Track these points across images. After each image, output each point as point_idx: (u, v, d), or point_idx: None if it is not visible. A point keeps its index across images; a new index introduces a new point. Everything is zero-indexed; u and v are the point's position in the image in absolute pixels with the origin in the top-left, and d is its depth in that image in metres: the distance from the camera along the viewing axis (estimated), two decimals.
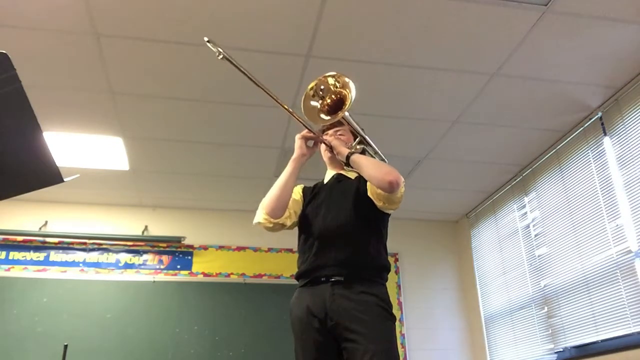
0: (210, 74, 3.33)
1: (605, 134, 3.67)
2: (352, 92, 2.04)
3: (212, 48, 1.92)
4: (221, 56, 1.91)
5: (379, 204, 2.04)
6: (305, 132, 2.17)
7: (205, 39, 1.93)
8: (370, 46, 3.12)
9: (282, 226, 2.11)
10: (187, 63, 3.23)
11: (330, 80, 2.11)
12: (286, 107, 2.12)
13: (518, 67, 3.30)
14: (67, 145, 4.05)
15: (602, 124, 3.69)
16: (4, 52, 1.27)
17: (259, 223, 2.09)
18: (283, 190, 2.07)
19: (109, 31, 2.97)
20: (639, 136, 3.37)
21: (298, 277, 2.10)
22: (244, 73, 1.95)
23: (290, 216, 2.12)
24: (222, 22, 2.92)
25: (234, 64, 1.92)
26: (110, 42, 3.05)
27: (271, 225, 2.08)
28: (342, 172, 2.24)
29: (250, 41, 3.06)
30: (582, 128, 3.88)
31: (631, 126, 3.43)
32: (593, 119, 3.77)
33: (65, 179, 1.55)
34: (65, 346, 3.76)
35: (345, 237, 2.01)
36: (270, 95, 2.02)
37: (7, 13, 2.81)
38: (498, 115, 3.81)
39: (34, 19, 2.85)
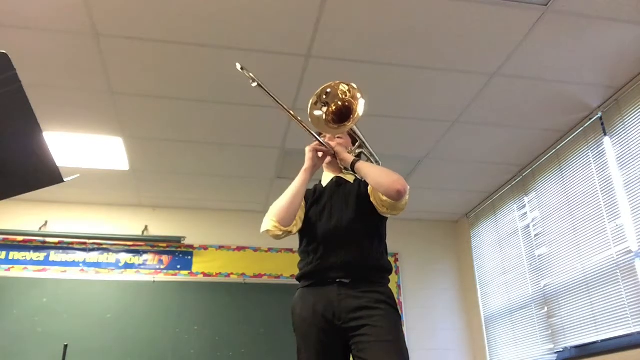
0: (211, 74, 3.33)
1: (605, 134, 3.67)
2: (360, 106, 2.06)
3: (246, 74, 1.96)
4: (255, 84, 1.94)
5: (382, 210, 2.07)
6: (316, 144, 2.20)
7: (238, 66, 1.95)
8: (370, 46, 3.12)
9: (289, 233, 2.13)
10: (187, 63, 3.23)
11: (343, 87, 2.12)
12: (307, 127, 2.16)
13: (518, 67, 3.30)
14: (67, 145, 4.05)
15: (602, 124, 3.69)
16: (4, 52, 1.27)
17: (268, 231, 2.09)
18: (294, 200, 2.08)
19: (109, 31, 2.97)
20: (639, 136, 3.37)
21: (300, 278, 2.12)
22: (275, 99, 2.00)
23: (297, 223, 2.13)
24: (222, 23, 2.92)
25: (266, 91, 1.97)
26: (110, 42, 3.05)
27: (280, 233, 2.09)
28: (340, 175, 2.26)
29: (250, 41, 3.06)
30: (582, 128, 3.88)
31: (631, 126, 3.43)
32: (593, 119, 3.77)
33: (65, 179, 1.55)
34: (65, 346, 3.76)
35: (350, 241, 2.04)
36: (298, 120, 2.12)
37: (7, 13, 2.81)
38: (498, 115, 3.81)
39: (34, 19, 2.85)
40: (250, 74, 1.94)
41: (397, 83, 3.45)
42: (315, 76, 3.31)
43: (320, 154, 2.21)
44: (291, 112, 2.10)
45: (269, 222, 2.09)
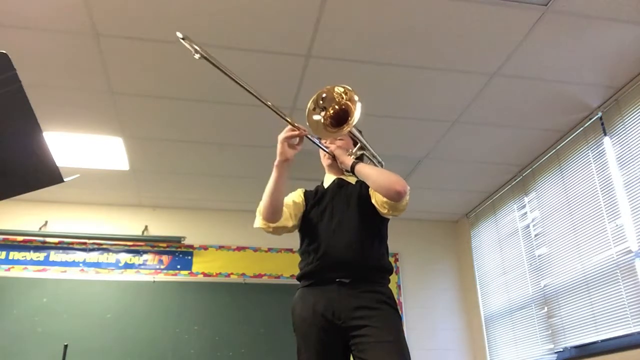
0: (211, 74, 3.31)
1: (605, 134, 3.67)
2: (357, 109, 2.02)
3: (188, 46, 1.71)
4: (198, 55, 1.73)
5: (383, 211, 2.06)
6: (287, 132, 2.08)
7: (180, 35, 1.70)
8: (370, 46, 3.12)
9: (284, 228, 2.13)
10: (187, 63, 3.22)
11: (338, 90, 2.09)
12: (271, 105, 2.04)
13: (518, 67, 3.30)
14: (67, 145, 4.05)
15: (602, 124, 3.69)
16: (4, 52, 1.27)
17: (260, 228, 2.12)
18: (273, 196, 2.06)
19: (109, 31, 2.97)
20: (639, 136, 3.37)
21: (300, 277, 2.12)
22: (221, 69, 1.79)
23: (291, 218, 2.13)
24: (222, 22, 2.92)
25: (212, 63, 1.75)
26: (110, 42, 3.05)
27: (271, 229, 2.11)
28: (342, 177, 2.26)
29: (250, 41, 3.06)
30: (582, 128, 3.88)
31: (631, 126, 3.43)
32: (593, 119, 3.77)
33: (65, 179, 1.55)
34: (65, 346, 3.76)
35: (351, 242, 2.04)
36: (251, 92, 1.95)
37: (7, 13, 2.81)
38: (498, 115, 3.81)
39: (34, 19, 2.85)
40: (195, 46, 1.70)
41: (397, 83, 3.45)
42: (315, 76, 3.31)
43: (296, 141, 2.07)
44: (252, 90, 1.93)
45: (258, 220, 2.11)
